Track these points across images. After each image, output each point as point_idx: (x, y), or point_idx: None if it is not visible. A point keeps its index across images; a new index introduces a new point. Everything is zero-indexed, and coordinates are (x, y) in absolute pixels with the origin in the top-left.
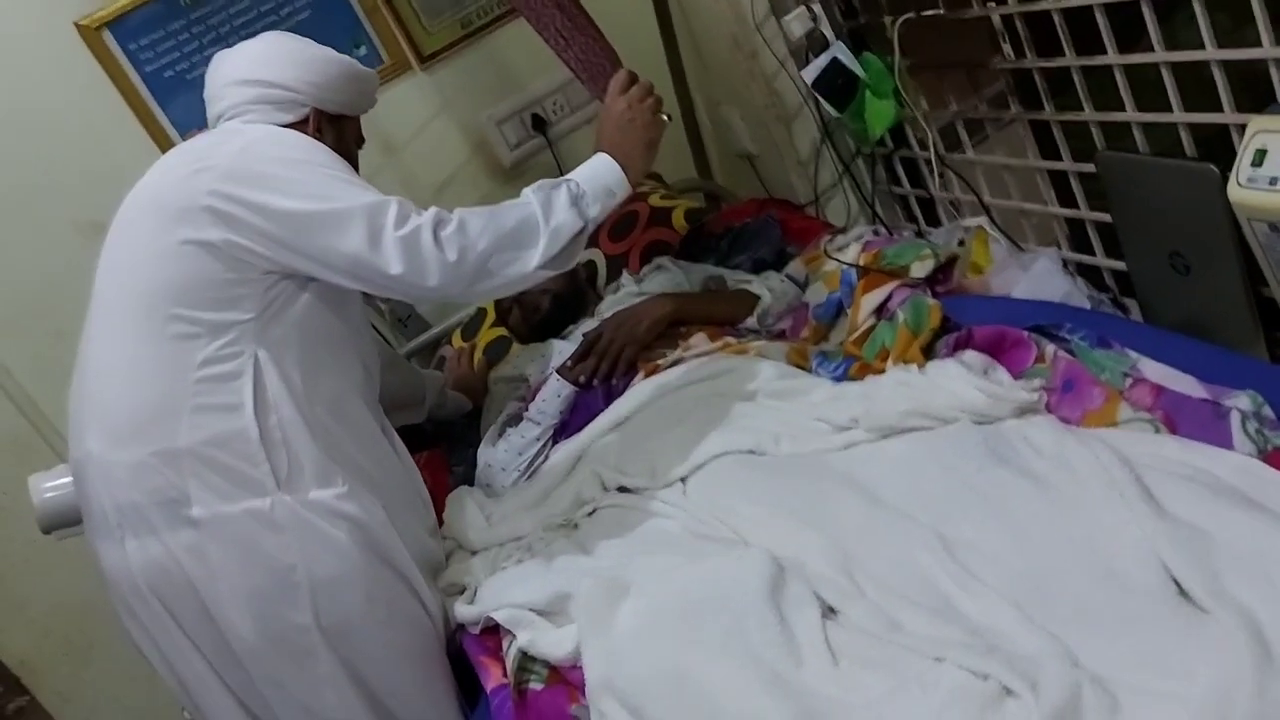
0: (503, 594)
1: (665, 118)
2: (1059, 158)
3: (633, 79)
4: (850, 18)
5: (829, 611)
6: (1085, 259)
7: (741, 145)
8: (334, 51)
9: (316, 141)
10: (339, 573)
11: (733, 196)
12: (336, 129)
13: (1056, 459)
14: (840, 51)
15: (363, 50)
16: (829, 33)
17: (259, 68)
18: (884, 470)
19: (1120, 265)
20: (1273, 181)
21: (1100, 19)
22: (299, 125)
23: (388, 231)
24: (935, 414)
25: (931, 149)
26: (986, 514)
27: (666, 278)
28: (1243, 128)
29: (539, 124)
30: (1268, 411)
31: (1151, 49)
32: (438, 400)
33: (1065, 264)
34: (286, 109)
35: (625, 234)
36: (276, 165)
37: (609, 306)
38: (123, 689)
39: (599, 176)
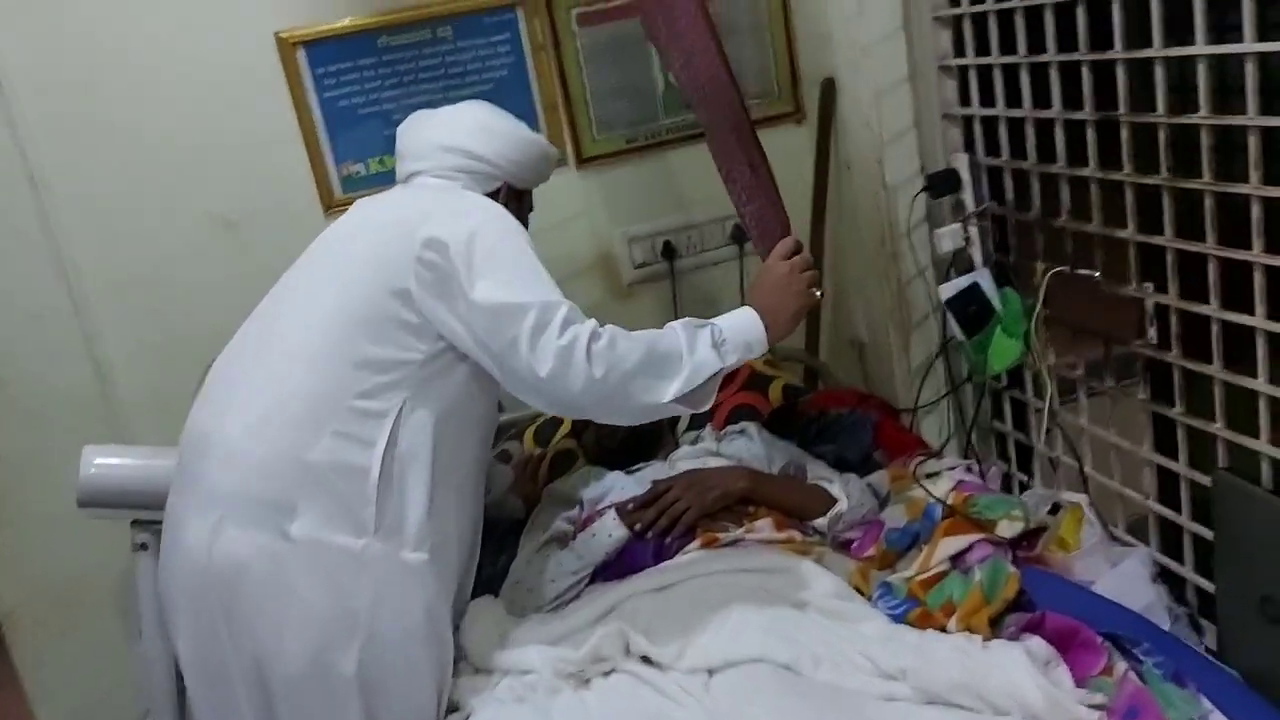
0: None
1: (818, 293)
2: (1174, 451)
3: (798, 248)
4: (1002, 250)
5: None
6: (1173, 565)
7: (856, 333)
8: (530, 131)
9: (520, 226)
10: (397, 633)
11: (832, 378)
12: (519, 199)
13: None
14: (983, 279)
15: None
16: (978, 257)
17: (465, 137)
18: None
19: (1208, 585)
20: None
21: (1260, 344)
22: (492, 195)
23: (550, 333)
24: (988, 698)
25: (1046, 402)
26: None
27: (746, 445)
28: None
29: (669, 252)
30: None
31: None
32: (500, 499)
33: (1155, 569)
34: (483, 181)
35: (720, 388)
36: (485, 241)
37: (683, 457)
38: (96, 668)
39: (743, 329)
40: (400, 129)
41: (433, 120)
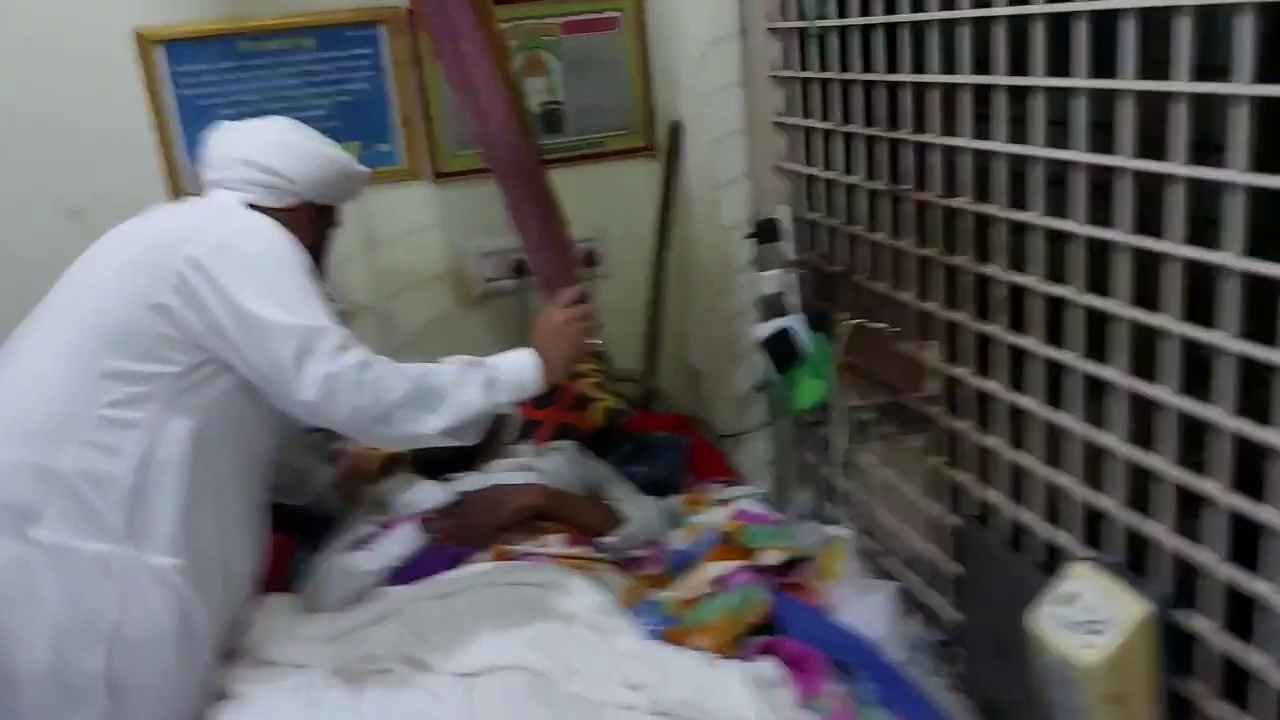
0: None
1: (594, 343)
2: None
3: (579, 298)
4: (820, 297)
5: None
6: (937, 598)
7: (693, 360)
8: (335, 149)
9: (297, 246)
10: (145, 635)
11: (666, 402)
12: (321, 216)
13: None
14: (796, 323)
15: (386, 148)
16: (793, 302)
17: (265, 153)
18: None
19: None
20: (1081, 627)
21: (1003, 412)
22: (289, 211)
23: (315, 359)
24: (711, 713)
25: (840, 441)
26: None
27: (562, 463)
28: None
29: (520, 270)
30: None
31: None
32: (318, 498)
33: (907, 602)
34: (281, 196)
35: (546, 405)
36: (254, 260)
37: (500, 469)
38: None
39: (518, 369)
40: (209, 139)
41: (237, 133)
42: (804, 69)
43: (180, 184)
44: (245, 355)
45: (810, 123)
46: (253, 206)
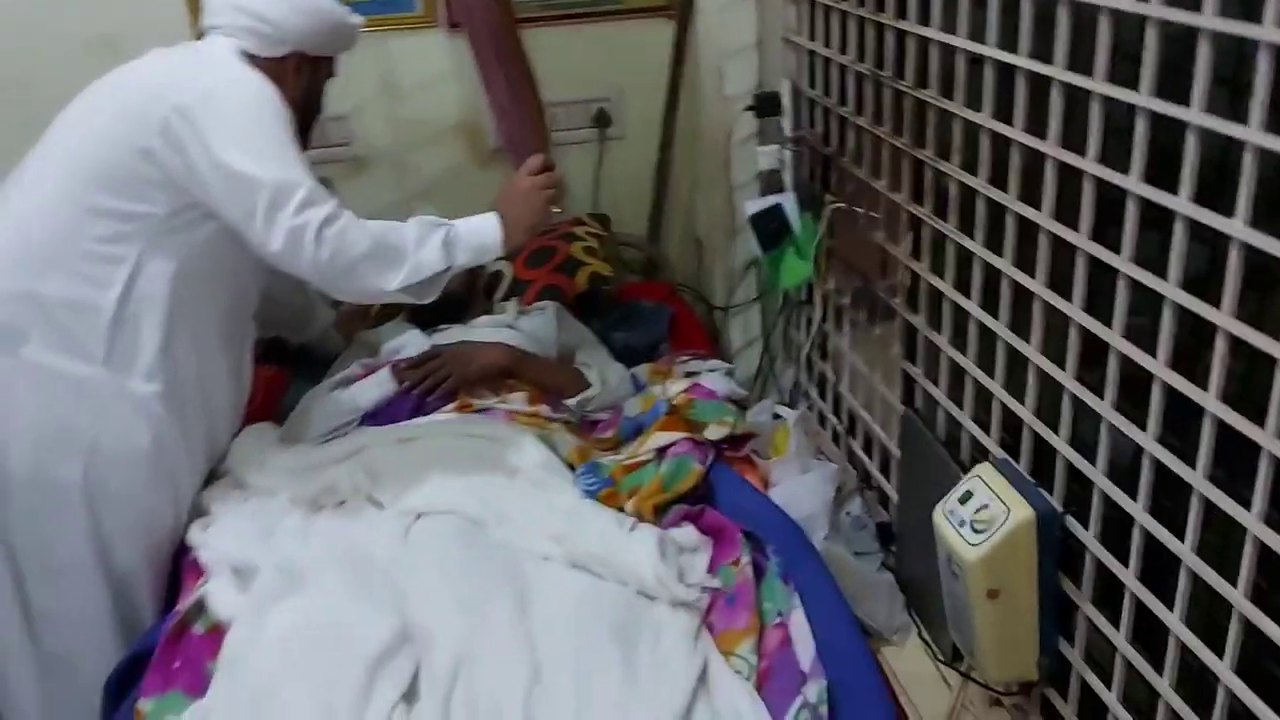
0: (218, 538)
1: (555, 210)
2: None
3: (546, 166)
4: (814, 179)
5: (412, 698)
6: (882, 481)
7: (697, 230)
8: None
9: (280, 100)
10: (119, 452)
11: (670, 270)
12: (312, 67)
13: (661, 655)
14: (787, 201)
15: None
16: (787, 180)
17: (256, 1)
18: (551, 601)
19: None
20: (961, 522)
21: (947, 307)
22: (280, 60)
23: (284, 212)
24: (615, 571)
25: (815, 323)
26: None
27: (541, 323)
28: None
29: None
30: (823, 710)
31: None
32: (319, 337)
33: (860, 483)
34: (272, 45)
35: (537, 266)
36: (236, 113)
37: (481, 324)
38: None
39: (479, 232)
40: None
41: None
42: None
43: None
44: (220, 203)
45: None
46: (245, 54)
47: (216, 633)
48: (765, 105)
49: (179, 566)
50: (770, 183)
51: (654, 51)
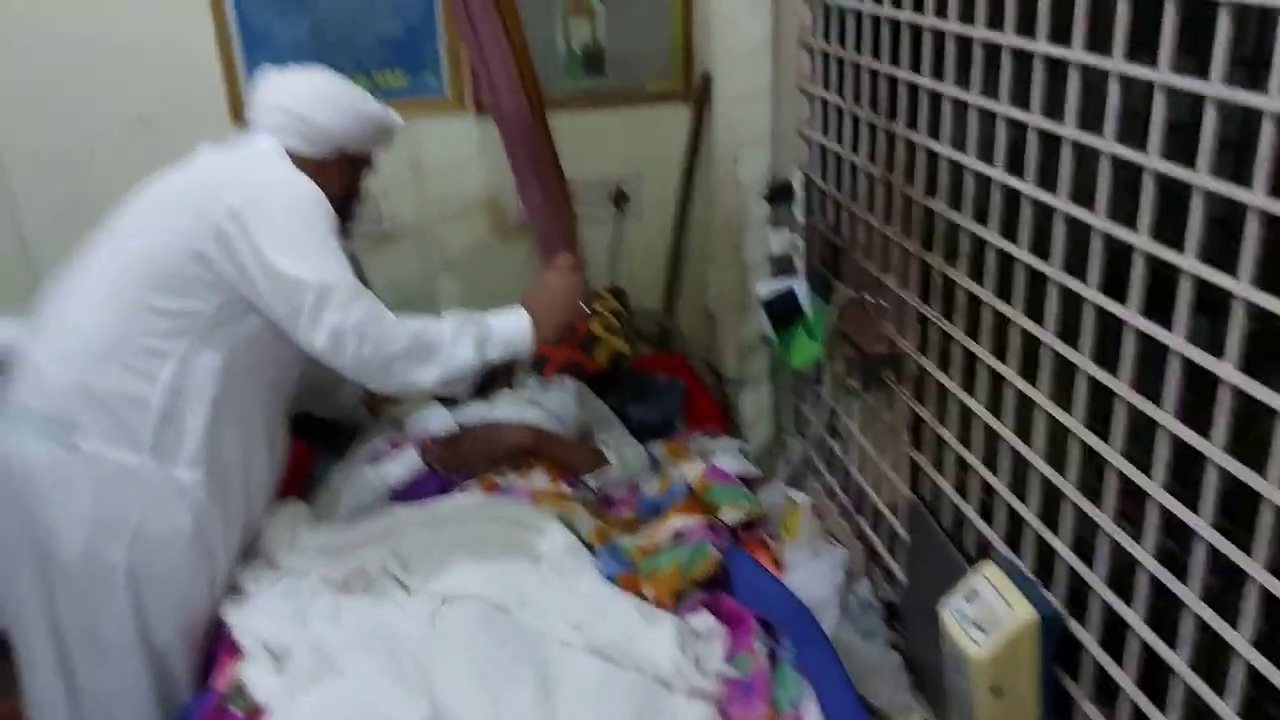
0: (251, 617)
1: (587, 311)
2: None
3: (578, 265)
4: (825, 265)
5: None
6: (890, 562)
7: (709, 304)
8: (372, 102)
9: (322, 199)
10: (162, 537)
11: (684, 341)
12: (353, 163)
13: None
14: (798, 285)
15: (428, 76)
16: (799, 265)
17: (303, 103)
18: (572, 688)
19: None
20: (974, 623)
21: (953, 404)
22: (323, 160)
23: (328, 313)
24: (634, 659)
25: (829, 402)
26: None
27: (562, 401)
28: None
29: None
30: None
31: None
32: (346, 412)
33: (867, 561)
34: (316, 145)
35: (558, 342)
36: (283, 215)
37: (508, 401)
38: None
39: (511, 330)
40: (257, 84)
41: (279, 83)
42: (827, 40)
43: (239, 98)
44: (267, 302)
45: (827, 95)
46: (290, 152)
47: (254, 715)
48: (779, 193)
49: (213, 640)
50: (782, 266)
51: (671, 135)
